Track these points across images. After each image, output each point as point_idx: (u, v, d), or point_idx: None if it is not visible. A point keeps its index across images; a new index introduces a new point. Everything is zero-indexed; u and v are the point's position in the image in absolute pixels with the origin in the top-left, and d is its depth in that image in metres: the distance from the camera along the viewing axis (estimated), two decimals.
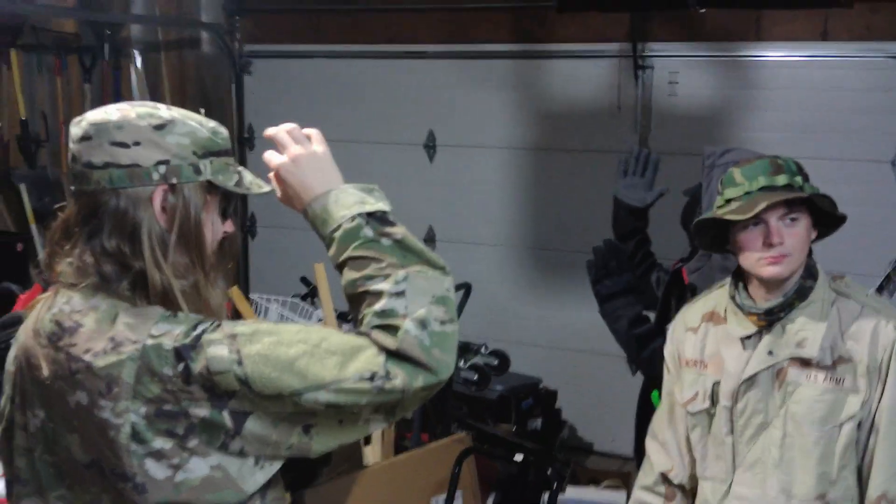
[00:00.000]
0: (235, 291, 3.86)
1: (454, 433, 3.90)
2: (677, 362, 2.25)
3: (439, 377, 1.35)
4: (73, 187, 1.44)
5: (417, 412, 3.94)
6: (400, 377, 1.32)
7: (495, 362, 4.00)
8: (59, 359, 1.38)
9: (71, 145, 1.44)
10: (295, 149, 1.52)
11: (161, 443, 1.33)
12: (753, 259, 2.04)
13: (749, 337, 2.08)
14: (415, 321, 1.34)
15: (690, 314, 2.25)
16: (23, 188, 5.13)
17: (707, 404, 2.14)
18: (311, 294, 4.50)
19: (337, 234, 1.43)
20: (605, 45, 4.79)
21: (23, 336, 1.48)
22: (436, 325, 1.35)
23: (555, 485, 3.20)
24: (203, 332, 1.35)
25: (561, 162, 5.00)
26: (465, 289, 4.19)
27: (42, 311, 1.44)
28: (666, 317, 2.89)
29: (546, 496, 3.45)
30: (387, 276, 1.37)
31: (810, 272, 2.06)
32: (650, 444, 2.34)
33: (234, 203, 1.52)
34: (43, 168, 5.38)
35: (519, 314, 5.08)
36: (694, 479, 2.25)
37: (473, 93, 5.13)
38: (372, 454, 3.58)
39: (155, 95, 5.57)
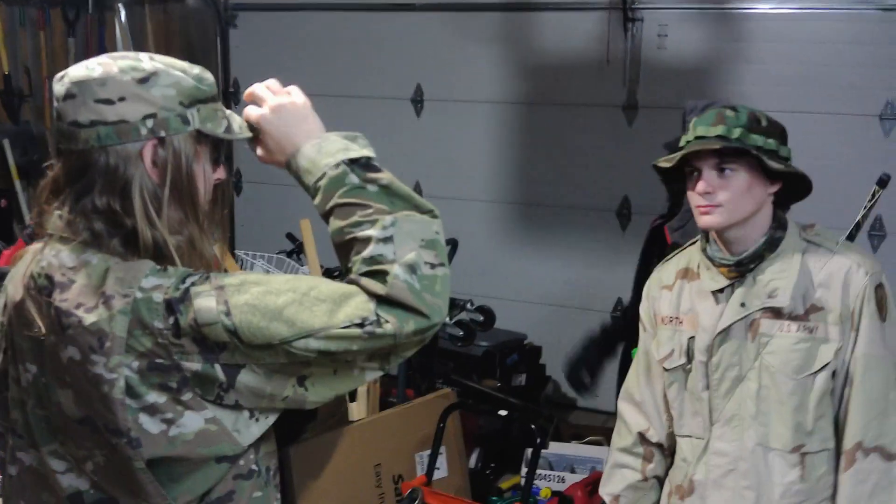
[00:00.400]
0: (220, 248, 3.84)
1: (439, 389, 3.91)
2: (653, 320, 2.25)
3: (431, 321, 1.34)
4: (59, 146, 1.41)
5: (402, 368, 3.95)
6: (391, 322, 1.31)
7: (481, 318, 4.01)
8: (51, 314, 1.37)
9: (55, 103, 1.41)
10: (274, 100, 1.49)
11: (154, 397, 1.32)
12: (695, 210, 2.05)
13: (721, 290, 2.08)
14: (404, 266, 1.32)
15: (665, 272, 2.25)
16: (6, 144, 5.08)
17: (683, 360, 2.15)
18: (297, 250, 4.48)
19: (322, 183, 1.41)
20: None
21: (11, 289, 1.46)
22: (426, 269, 1.34)
23: (538, 440, 3.21)
24: (192, 284, 1.33)
25: (549, 116, 4.96)
26: (452, 245, 4.18)
27: (31, 264, 1.43)
28: (646, 275, 2.89)
29: (529, 451, 3.47)
30: (374, 222, 1.36)
31: (780, 223, 2.06)
32: (624, 405, 2.34)
33: (223, 149, 1.50)
34: (26, 123, 5.34)
35: (505, 270, 5.07)
36: (672, 438, 2.26)
37: (462, 46, 5.07)
38: (357, 410, 3.60)
39: (139, 49, 5.47)
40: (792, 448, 2.03)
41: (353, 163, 1.42)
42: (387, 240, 1.34)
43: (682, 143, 2.05)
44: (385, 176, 1.42)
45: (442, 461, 3.57)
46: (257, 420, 1.38)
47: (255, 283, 1.34)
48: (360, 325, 1.31)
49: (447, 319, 3.92)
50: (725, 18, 4.53)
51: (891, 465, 1.98)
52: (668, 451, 2.29)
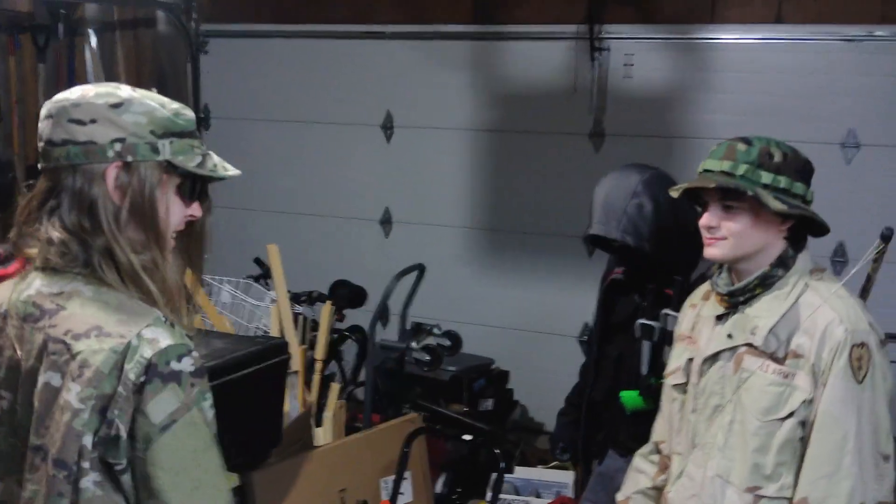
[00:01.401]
0: (188, 275, 3.83)
1: (406, 414, 3.91)
2: (677, 336, 2.28)
3: None
4: (39, 165, 1.47)
5: (369, 392, 3.95)
6: None
7: (448, 343, 4.00)
8: (36, 340, 1.39)
9: (39, 124, 1.47)
10: None
11: (87, 440, 1.35)
12: (703, 238, 2.06)
13: (721, 317, 2.09)
14: None
15: (697, 291, 2.28)
16: None
17: (684, 379, 2.17)
18: (264, 275, 4.48)
19: None
20: (562, 27, 4.79)
21: None
22: None
23: (502, 465, 3.22)
24: (179, 375, 1.36)
25: (517, 144, 5.00)
26: (419, 270, 4.19)
27: (13, 293, 1.46)
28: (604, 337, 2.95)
29: (494, 476, 3.47)
30: None
31: (782, 262, 2.01)
32: (659, 414, 2.37)
33: (198, 186, 1.52)
34: None
35: (472, 295, 5.09)
36: None
37: (431, 74, 5.12)
38: (323, 435, 3.59)
39: (110, 75, 5.49)
40: (747, 487, 2.00)
41: None
42: None
43: (697, 171, 2.04)
44: None
45: (407, 486, 3.56)
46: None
47: (204, 438, 1.38)
48: None
49: (413, 344, 3.93)
50: (691, 48, 4.61)
51: None
52: None
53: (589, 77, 4.77)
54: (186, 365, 1.37)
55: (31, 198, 1.47)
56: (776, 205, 1.94)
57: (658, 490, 2.32)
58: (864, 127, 4.33)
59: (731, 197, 1.98)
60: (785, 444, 1.97)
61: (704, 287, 2.23)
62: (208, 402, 1.39)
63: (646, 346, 2.72)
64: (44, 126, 1.45)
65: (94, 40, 5.51)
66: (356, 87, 5.32)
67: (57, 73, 5.38)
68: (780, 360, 1.98)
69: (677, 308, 2.50)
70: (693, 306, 2.23)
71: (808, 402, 1.95)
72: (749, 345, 2.02)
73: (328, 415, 3.64)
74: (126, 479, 1.36)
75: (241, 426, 3.09)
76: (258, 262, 4.67)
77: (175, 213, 1.49)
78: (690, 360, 2.14)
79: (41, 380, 1.37)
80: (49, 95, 4.77)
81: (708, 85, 4.59)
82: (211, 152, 1.53)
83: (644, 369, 2.71)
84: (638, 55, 4.70)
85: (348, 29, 5.29)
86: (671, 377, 2.22)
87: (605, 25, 4.71)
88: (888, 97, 4.28)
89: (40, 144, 1.46)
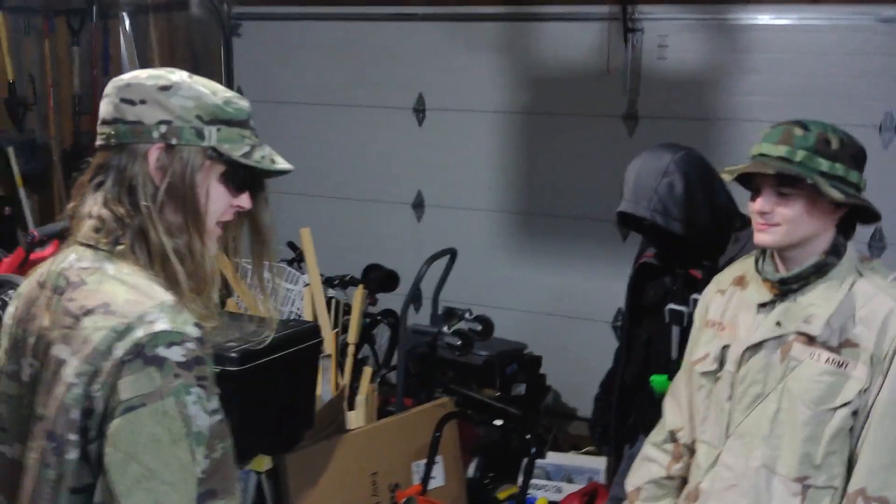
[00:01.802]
0: (220, 257, 3.86)
1: (438, 398, 3.92)
2: (701, 321, 2.23)
3: None
4: (96, 143, 1.51)
5: (401, 376, 3.96)
6: None
7: (479, 328, 4.01)
8: (58, 310, 1.42)
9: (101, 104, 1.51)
10: None
11: (76, 414, 1.36)
12: (754, 223, 2.01)
13: (764, 304, 2.05)
14: None
15: (724, 276, 2.22)
16: (10, 152, 5.10)
17: (715, 366, 2.12)
18: (297, 259, 4.50)
19: None
20: (595, 8, 4.73)
21: (27, 288, 1.54)
22: None
23: (534, 450, 3.22)
24: (163, 362, 1.34)
25: (550, 126, 4.97)
26: (451, 254, 4.19)
27: (52, 264, 1.50)
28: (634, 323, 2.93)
29: (525, 461, 3.47)
30: None
31: (835, 250, 1.99)
32: (668, 402, 2.33)
33: (247, 177, 1.51)
34: (31, 131, 5.36)
35: (504, 279, 5.08)
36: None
37: (463, 56, 5.09)
38: (355, 419, 3.61)
39: (143, 58, 5.53)
40: (796, 477, 1.98)
41: None
42: None
43: (751, 154, 2.01)
44: None
45: (439, 470, 3.58)
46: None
47: (171, 432, 1.34)
48: None
49: (445, 328, 3.94)
50: (725, 29, 4.54)
51: None
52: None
53: (622, 59, 4.72)
54: (175, 354, 1.35)
55: (84, 174, 1.51)
56: (834, 194, 1.91)
57: (672, 479, 2.28)
58: None
59: (788, 183, 1.94)
60: (837, 434, 1.95)
61: (733, 272, 2.19)
62: (193, 398, 1.35)
63: (675, 331, 2.70)
64: (102, 105, 1.49)
65: (127, 23, 5.55)
66: (388, 70, 5.30)
67: (91, 57, 5.43)
68: (833, 349, 1.95)
69: None
70: (721, 292, 2.18)
71: (863, 392, 1.93)
72: (800, 333, 1.98)
73: (360, 398, 3.66)
74: (93, 448, 1.36)
75: (274, 409, 3.12)
76: (291, 245, 4.69)
77: (218, 201, 1.49)
78: (725, 347, 2.10)
79: (54, 351, 1.40)
80: (83, 79, 4.87)
81: (743, 66, 4.53)
82: (265, 145, 1.52)
83: (674, 354, 2.70)
84: (672, 36, 4.64)
85: (380, 11, 5.27)
86: (699, 364, 2.16)
87: (638, 6, 4.65)
88: None
89: (97, 124, 1.50)
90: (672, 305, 2.68)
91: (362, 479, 3.41)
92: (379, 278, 4.56)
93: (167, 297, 1.40)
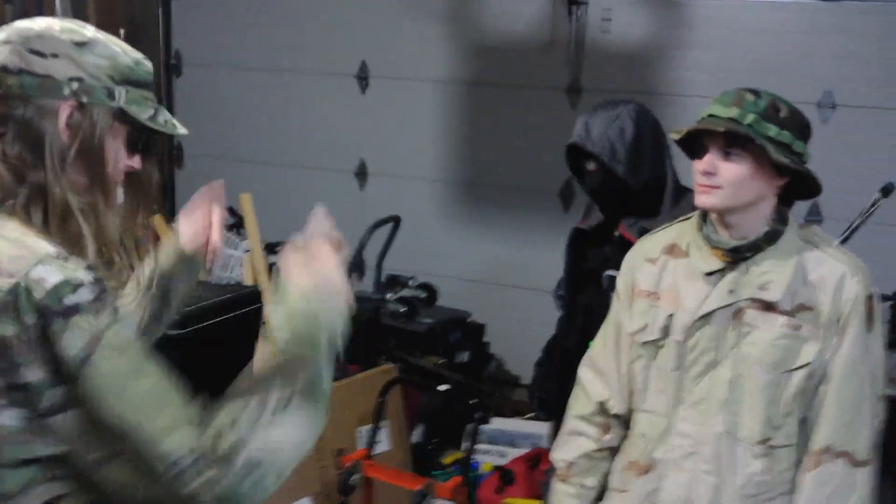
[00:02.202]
0: (158, 220, 3.78)
1: (382, 365, 3.93)
2: (630, 292, 2.23)
3: None
4: None
5: (344, 343, 3.95)
6: (192, 485, 1.28)
7: (423, 295, 4.03)
8: None
9: None
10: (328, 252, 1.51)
11: None
12: (695, 184, 2.04)
13: (712, 273, 2.06)
14: (249, 458, 1.31)
15: (650, 245, 2.22)
16: None
17: (656, 336, 2.13)
18: (237, 225, 4.44)
19: (304, 342, 1.40)
20: None
21: None
22: (267, 475, 1.33)
23: (478, 415, 3.24)
24: (76, 307, 1.29)
25: (493, 96, 4.98)
26: (395, 221, 4.19)
27: None
28: (574, 286, 2.98)
29: (470, 427, 3.50)
30: (280, 397, 1.35)
31: (782, 217, 2.04)
32: (586, 373, 2.32)
33: (143, 138, 1.49)
34: None
35: (448, 248, 5.09)
36: (631, 410, 2.25)
37: (407, 23, 5.06)
38: None
39: (80, 18, 5.37)
40: (759, 440, 2.03)
41: (330, 346, 1.43)
42: (267, 420, 1.33)
43: (698, 119, 2.03)
44: (330, 366, 1.44)
45: (384, 435, 3.59)
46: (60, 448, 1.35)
47: (131, 356, 1.31)
48: (169, 466, 1.28)
49: (389, 295, 3.94)
50: (669, 4, 4.59)
51: (854, 472, 1.99)
52: (626, 424, 2.27)
53: (566, 31, 4.74)
54: (83, 295, 1.30)
55: None
56: (780, 158, 1.95)
57: (602, 451, 2.29)
58: (841, 88, 4.35)
59: (735, 144, 1.97)
60: (795, 396, 2.01)
61: (661, 240, 2.20)
62: (122, 322, 1.33)
63: (614, 297, 2.76)
64: None
65: None
66: (331, 36, 5.24)
67: (25, 15, 5.26)
68: (788, 313, 2.00)
69: None
70: (651, 261, 2.19)
71: (820, 351, 1.99)
72: (752, 299, 2.02)
73: None
74: (57, 420, 1.30)
75: (213, 375, 3.07)
76: (231, 211, 4.59)
77: (118, 161, 1.47)
78: (670, 316, 2.11)
79: None
80: None
81: (686, 42, 4.58)
82: (161, 107, 1.50)
83: None
84: (616, 10, 4.67)
85: None
86: (638, 335, 2.17)
87: None
88: (866, 58, 4.30)
89: None
90: (610, 272, 2.72)
91: None
92: None
93: (50, 248, 1.34)
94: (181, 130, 1.52)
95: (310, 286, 1.45)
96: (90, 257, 1.39)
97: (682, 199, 2.69)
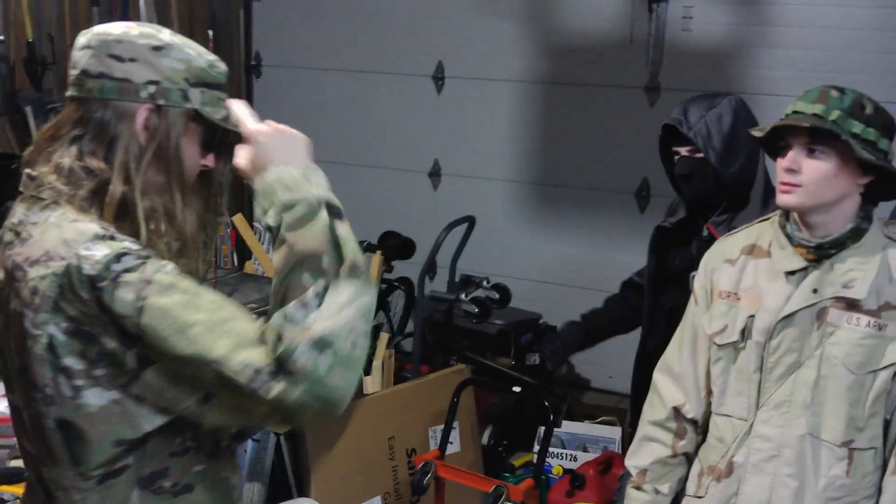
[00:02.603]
0: (239, 219, 3.86)
1: (453, 365, 3.93)
2: (708, 294, 2.19)
3: (326, 405, 1.30)
4: (68, 92, 1.48)
5: (417, 343, 3.96)
6: (276, 390, 1.27)
7: (496, 296, 4.01)
8: (8, 266, 1.43)
9: (74, 52, 1.48)
10: (277, 125, 1.49)
11: (72, 361, 1.37)
12: (777, 182, 2.00)
13: (794, 272, 2.02)
14: (313, 341, 1.27)
15: (729, 245, 2.19)
16: (28, 111, 5.08)
17: (737, 338, 2.09)
18: None
19: (297, 209, 1.36)
20: None
21: None
22: (342, 347, 1.29)
23: (550, 418, 3.22)
24: (123, 270, 1.34)
25: (571, 96, 4.94)
26: (469, 222, 4.18)
27: (8, 219, 1.50)
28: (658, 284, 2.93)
29: (542, 430, 3.48)
30: (317, 278, 1.31)
31: (867, 215, 2.00)
32: (660, 378, 2.29)
33: (217, 137, 1.53)
34: (49, 91, 5.33)
35: (521, 249, 5.07)
36: (707, 415, 2.21)
37: (484, 23, 5.05)
38: (372, 383, 3.62)
39: (163, 19, 5.49)
40: (842, 442, 1.98)
41: (330, 208, 1.38)
42: (313, 304, 1.29)
43: (784, 114, 2.00)
44: (345, 229, 1.38)
45: (455, 436, 3.59)
46: (160, 413, 1.40)
47: (183, 290, 1.34)
48: (251, 375, 1.28)
49: (462, 296, 3.94)
50: (752, 1, 4.49)
51: None
52: (702, 428, 2.24)
53: (645, 29, 4.68)
54: (128, 261, 1.35)
55: (57, 123, 1.49)
56: (865, 155, 1.91)
57: (677, 457, 2.26)
58: None
59: (820, 141, 1.93)
60: (880, 395, 1.96)
61: (741, 241, 2.16)
62: (167, 267, 1.36)
63: (691, 300, 2.70)
64: (80, 55, 1.46)
65: None
66: (408, 37, 5.26)
67: (111, 16, 5.39)
68: (873, 313, 1.95)
69: None
70: (730, 262, 2.15)
71: None
72: (838, 298, 1.97)
73: (377, 363, 3.66)
74: (146, 380, 1.35)
75: None
76: None
77: (193, 161, 1.52)
78: (750, 317, 2.07)
79: (10, 305, 1.41)
80: None
81: (769, 40, 4.48)
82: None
83: None
84: (697, 7, 4.59)
85: None
86: (718, 336, 2.14)
87: None
88: None
89: (73, 72, 1.47)
90: (696, 273, 2.68)
91: (379, 443, 3.42)
92: (395, 246, 4.55)
93: (98, 228, 1.39)
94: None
95: (268, 160, 1.42)
96: (142, 243, 1.43)
97: (771, 200, 2.64)
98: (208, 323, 1.31)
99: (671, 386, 2.26)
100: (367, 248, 4.48)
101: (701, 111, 2.67)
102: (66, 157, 1.44)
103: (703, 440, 2.24)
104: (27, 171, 1.48)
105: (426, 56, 5.25)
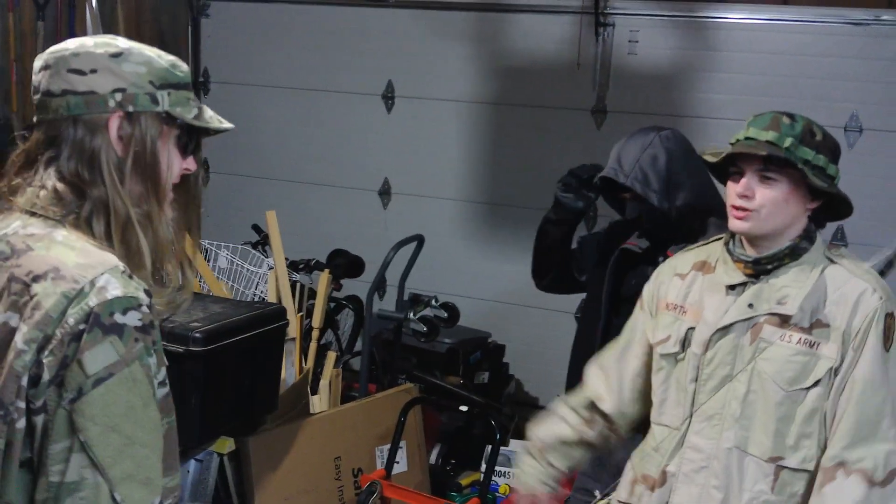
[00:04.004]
0: (188, 240, 3.82)
1: (401, 384, 3.92)
2: (654, 303, 2.24)
3: None
4: (35, 118, 1.46)
5: (365, 361, 3.95)
6: None
7: (445, 315, 4.01)
8: (2, 278, 1.38)
9: (33, 77, 1.45)
10: None
11: (25, 380, 1.32)
12: (729, 208, 2.03)
13: (734, 287, 2.06)
14: None
15: (682, 260, 2.23)
16: None
17: (677, 349, 2.13)
18: (262, 242, 4.47)
19: None
20: (567, 1, 4.76)
21: None
22: None
23: (497, 437, 3.23)
24: (123, 329, 1.32)
25: (519, 117, 4.98)
26: (418, 241, 4.19)
27: None
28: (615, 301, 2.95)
29: (489, 448, 3.48)
30: None
31: (808, 236, 2.03)
32: (591, 369, 2.35)
33: (195, 139, 1.51)
34: None
35: (470, 268, 5.09)
36: (622, 418, 2.28)
37: (434, 44, 5.09)
38: (319, 403, 3.60)
39: (110, 35, 5.44)
40: (769, 458, 2.00)
41: None
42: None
43: (732, 140, 2.03)
44: None
45: (402, 456, 3.58)
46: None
47: (141, 395, 1.33)
48: None
49: (411, 315, 3.93)
50: (696, 27, 4.59)
51: (870, 492, 1.93)
52: (619, 430, 2.31)
53: (593, 52, 4.75)
54: (132, 319, 1.33)
55: (27, 149, 1.45)
56: (818, 182, 1.95)
57: (580, 443, 2.32)
58: (867, 111, 4.33)
59: (773, 168, 1.96)
60: (811, 414, 1.98)
61: (691, 257, 2.20)
62: (154, 359, 1.36)
63: (637, 305, 2.74)
64: (40, 77, 1.43)
65: (94, 0, 5.46)
66: (358, 56, 5.28)
67: (56, 32, 5.33)
68: (805, 330, 1.98)
69: None
70: (681, 276, 2.19)
71: (834, 371, 1.96)
72: (772, 314, 2.01)
73: (324, 383, 3.64)
74: (38, 420, 1.32)
75: (238, 391, 3.09)
76: (256, 228, 4.66)
77: (173, 166, 1.48)
78: (690, 329, 2.11)
79: (1, 318, 1.36)
80: None
81: (712, 64, 4.57)
82: (204, 105, 1.52)
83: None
84: (643, 32, 4.68)
85: None
86: (660, 346, 2.17)
87: (610, 0, 4.68)
88: (892, 82, 4.27)
89: (36, 97, 1.44)
90: None
91: (325, 463, 3.39)
92: (344, 264, 4.54)
93: (118, 262, 1.37)
94: (227, 125, 1.53)
95: None
96: (148, 270, 1.42)
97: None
98: (127, 441, 1.31)
99: (597, 379, 2.33)
100: (316, 266, 4.47)
101: (635, 154, 2.67)
102: (48, 179, 1.41)
103: (617, 440, 2.31)
104: (10, 198, 1.44)
105: (376, 75, 5.26)
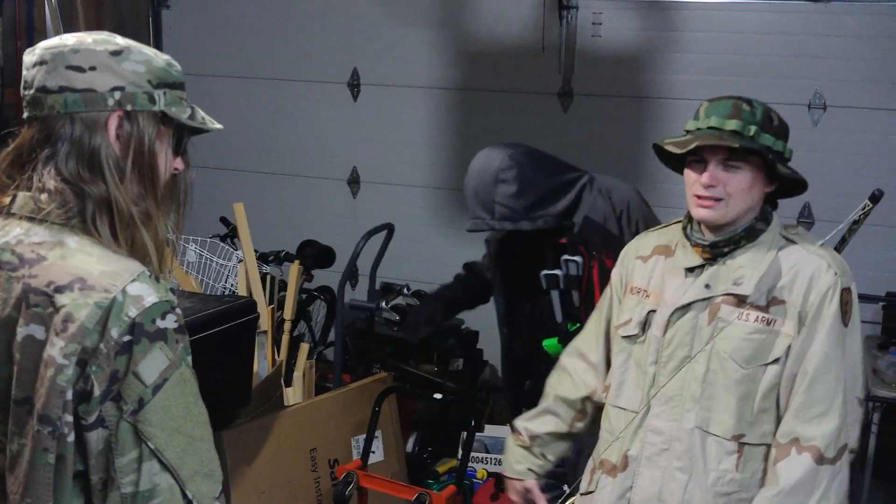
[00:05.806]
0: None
1: (376, 373, 3.91)
2: (622, 287, 2.26)
3: None
4: (25, 114, 1.43)
5: (338, 352, 3.94)
6: None
7: (417, 303, 4.00)
8: (13, 289, 1.36)
9: (25, 72, 1.43)
10: None
11: (70, 394, 1.32)
12: (691, 196, 2.04)
13: (693, 269, 2.08)
14: None
15: (644, 243, 2.25)
16: None
17: (637, 331, 2.15)
18: (230, 234, 4.44)
19: None
20: None
21: None
22: None
23: (472, 423, 3.23)
24: (165, 333, 1.34)
25: (485, 102, 4.98)
26: (388, 229, 4.17)
27: None
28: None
29: (465, 435, 3.49)
30: None
31: (764, 217, 2.05)
32: (576, 363, 2.37)
33: (186, 139, 1.51)
34: None
35: (441, 255, 5.06)
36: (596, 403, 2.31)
37: (398, 30, 5.06)
38: (293, 395, 3.58)
39: (69, 30, 5.36)
40: (732, 436, 2.01)
41: None
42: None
43: (690, 127, 2.03)
44: None
45: (378, 445, 3.57)
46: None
47: (192, 393, 1.38)
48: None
49: (383, 304, 3.92)
50: (659, 7, 4.60)
51: (819, 469, 1.94)
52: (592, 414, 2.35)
53: (557, 36, 4.75)
54: (170, 322, 1.35)
55: (18, 147, 1.43)
56: (784, 170, 1.98)
57: (571, 434, 2.38)
58: (830, 88, 4.37)
59: (737, 156, 1.97)
60: (770, 390, 1.99)
61: (655, 240, 2.22)
62: (191, 357, 1.39)
63: (555, 295, 2.80)
64: (34, 73, 1.41)
65: None
66: (322, 44, 5.24)
67: (15, 26, 5.24)
68: (762, 308, 2.00)
69: (573, 252, 2.69)
70: (643, 259, 2.21)
71: (791, 346, 1.98)
72: (728, 294, 2.02)
73: (297, 375, 3.63)
74: (93, 435, 1.33)
75: (210, 385, 3.05)
76: (224, 221, 4.62)
77: (168, 165, 1.48)
78: (651, 312, 2.13)
79: (22, 331, 1.34)
80: (7, 51, 4.67)
81: (676, 45, 4.59)
82: (195, 105, 1.51)
83: (559, 317, 2.81)
84: (606, 14, 4.68)
85: None
86: (622, 329, 2.19)
87: None
88: (855, 58, 4.31)
89: (28, 92, 1.42)
90: (546, 271, 2.78)
91: (301, 455, 3.38)
92: (315, 254, 4.52)
93: (140, 266, 1.38)
94: (217, 126, 1.54)
95: None
96: (155, 267, 1.42)
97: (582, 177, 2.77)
98: (190, 440, 1.35)
99: (588, 373, 2.34)
100: (286, 257, 4.44)
101: (489, 194, 2.69)
102: (48, 180, 1.39)
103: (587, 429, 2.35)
104: (4, 198, 1.42)
105: (341, 63, 5.23)
